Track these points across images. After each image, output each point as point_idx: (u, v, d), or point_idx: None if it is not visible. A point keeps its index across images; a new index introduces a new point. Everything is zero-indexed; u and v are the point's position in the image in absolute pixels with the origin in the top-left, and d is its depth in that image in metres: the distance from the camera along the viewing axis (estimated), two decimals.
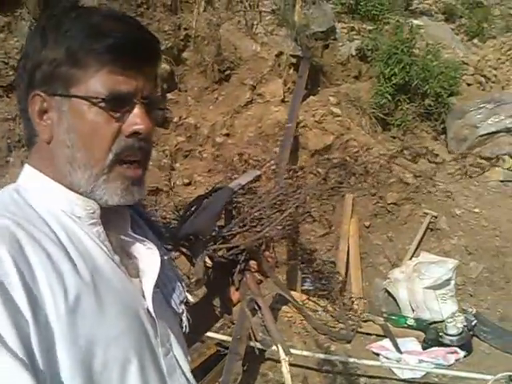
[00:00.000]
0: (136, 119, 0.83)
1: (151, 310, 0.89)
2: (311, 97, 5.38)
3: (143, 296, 0.90)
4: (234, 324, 3.40)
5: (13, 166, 4.05)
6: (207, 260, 1.16)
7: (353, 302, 4.13)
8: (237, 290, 1.17)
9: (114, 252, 0.88)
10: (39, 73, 0.81)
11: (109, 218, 0.88)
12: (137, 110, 0.83)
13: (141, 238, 0.92)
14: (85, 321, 0.77)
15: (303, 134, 5.07)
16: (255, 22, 5.64)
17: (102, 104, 0.81)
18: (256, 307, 1.15)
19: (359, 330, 4.16)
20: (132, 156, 0.85)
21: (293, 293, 3.87)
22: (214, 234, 1.16)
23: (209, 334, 3.25)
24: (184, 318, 0.98)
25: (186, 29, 5.12)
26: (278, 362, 3.64)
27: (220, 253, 1.17)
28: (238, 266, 1.16)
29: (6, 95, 4.14)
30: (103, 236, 0.87)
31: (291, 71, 5.46)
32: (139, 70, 0.84)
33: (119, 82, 0.82)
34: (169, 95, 4.94)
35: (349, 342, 3.98)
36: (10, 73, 4.17)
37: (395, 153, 5.19)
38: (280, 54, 5.45)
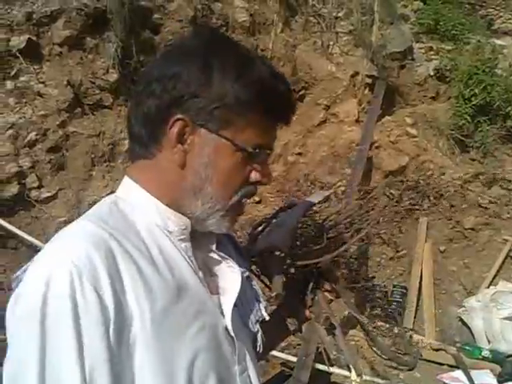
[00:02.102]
0: (266, 172, 0.93)
1: (230, 328, 0.91)
2: (386, 117, 5.31)
3: (222, 314, 0.92)
4: (299, 345, 3.38)
5: (95, 179, 4.27)
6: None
7: (406, 330, 3.98)
8: (308, 308, 1.18)
9: (198, 268, 0.91)
10: (195, 102, 0.85)
11: (196, 234, 0.92)
12: (267, 165, 0.93)
13: (224, 255, 0.95)
14: (169, 335, 0.80)
15: (377, 154, 5.00)
16: (331, 43, 5.65)
17: (247, 153, 0.88)
18: (329, 327, 1.16)
19: (430, 359, 4.00)
20: (250, 198, 0.95)
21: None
22: (288, 250, 1.18)
23: (274, 352, 3.24)
24: (259, 338, 1.00)
25: (262, 50, 5.22)
26: None
27: (292, 270, 1.19)
28: (311, 285, 1.17)
29: (92, 113, 4.39)
30: (190, 252, 0.91)
31: (366, 91, 5.41)
32: (280, 127, 0.95)
33: (267, 138, 0.91)
34: None
35: (411, 369, 3.84)
36: (96, 92, 4.42)
37: (470, 177, 5.00)
38: (355, 74, 5.42)
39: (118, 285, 0.76)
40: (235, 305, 0.93)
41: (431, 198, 4.59)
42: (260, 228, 1.24)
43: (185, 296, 0.85)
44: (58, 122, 4.15)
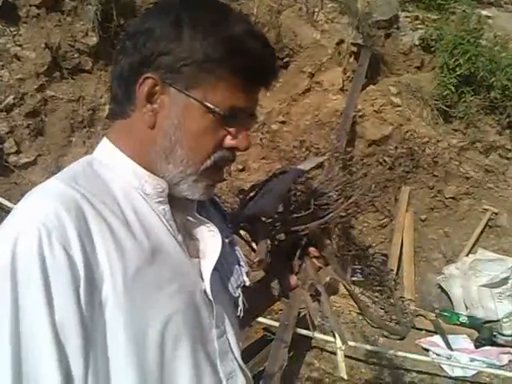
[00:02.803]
0: (242, 137, 0.87)
1: (208, 291, 0.90)
2: (371, 86, 5.28)
3: (201, 277, 0.91)
4: (281, 310, 3.41)
5: (75, 146, 4.19)
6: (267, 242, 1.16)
7: (402, 299, 4.04)
8: (295, 274, 1.17)
9: (177, 231, 0.90)
10: (164, 60, 0.82)
11: (175, 197, 0.90)
12: (245, 130, 0.88)
13: (204, 219, 0.93)
14: (142, 296, 0.79)
15: (361, 123, 4.99)
16: (316, 10, 5.56)
17: (218, 115, 0.83)
18: (315, 293, 1.15)
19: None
20: (223, 165, 0.90)
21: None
22: (276, 216, 1.16)
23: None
24: (240, 303, 0.98)
25: (246, 15, 5.12)
26: (324, 350, 3.63)
27: (280, 236, 1.17)
28: (298, 251, 1.16)
29: (71, 77, 4.28)
30: (169, 215, 0.89)
31: (351, 60, 5.36)
32: (258, 90, 0.89)
33: (241, 99, 0.85)
34: None
35: (403, 338, 3.91)
36: (76, 55, 4.30)
37: (452, 147, 5.02)
38: (341, 42, 5.36)
39: (88, 245, 0.75)
40: (216, 269, 0.92)
41: (413, 167, 4.62)
42: (251, 194, 1.22)
43: (160, 258, 0.83)
44: (36, 86, 4.05)
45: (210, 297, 0.90)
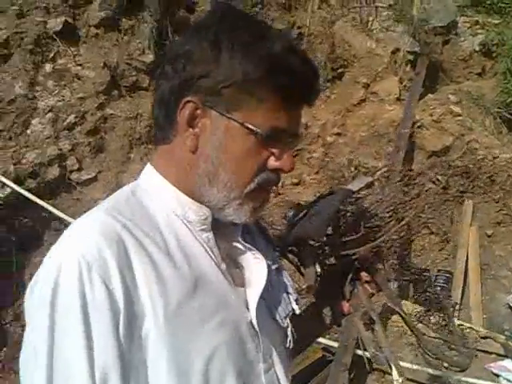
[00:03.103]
0: (285, 158, 0.85)
1: (254, 322, 0.86)
2: (429, 95, 5.12)
3: (247, 308, 0.87)
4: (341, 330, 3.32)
5: (133, 162, 4.28)
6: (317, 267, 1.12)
7: (462, 327, 3.81)
8: (347, 301, 1.12)
9: (221, 259, 0.87)
10: (203, 82, 0.81)
11: (220, 224, 0.87)
12: (288, 150, 0.85)
13: (249, 246, 0.90)
14: (184, 330, 0.76)
15: (419, 134, 4.84)
16: (371, 18, 5.47)
17: (260, 137, 0.81)
18: (369, 321, 1.10)
19: (477, 347, 3.87)
20: (267, 187, 0.87)
21: (404, 302, 3.70)
22: (325, 239, 1.12)
23: None
24: (289, 333, 0.94)
25: (299, 27, 5.10)
26: (387, 373, 3.50)
27: (330, 260, 1.13)
28: (350, 276, 1.11)
29: (129, 95, 4.39)
30: (212, 242, 0.86)
31: (408, 68, 5.23)
32: (300, 109, 0.86)
33: (283, 119, 0.82)
34: None
35: (463, 370, 3.69)
36: (133, 73, 4.41)
37: None
38: (396, 50, 5.24)
39: (129, 279, 0.73)
40: (262, 298, 0.88)
41: (477, 180, 4.41)
42: (299, 216, 1.17)
43: (203, 289, 0.81)
44: (95, 105, 4.17)
45: (257, 328, 0.86)
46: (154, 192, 0.86)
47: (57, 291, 0.70)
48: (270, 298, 0.92)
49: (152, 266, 0.76)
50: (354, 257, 1.10)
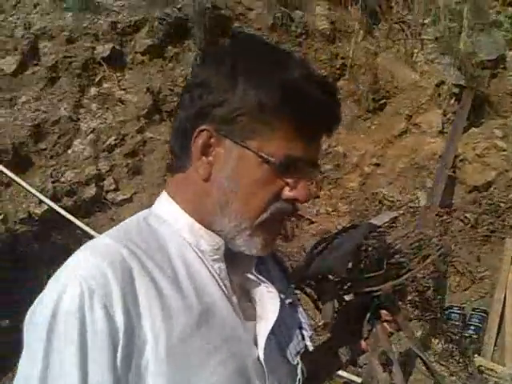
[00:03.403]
0: (300, 188, 0.82)
1: (262, 358, 0.82)
2: (473, 129, 4.99)
3: (256, 343, 0.83)
4: (365, 364, 3.20)
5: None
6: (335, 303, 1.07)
7: (482, 369, 3.59)
8: (365, 339, 1.07)
9: (232, 292, 0.84)
10: (218, 111, 0.79)
11: (233, 254, 0.85)
12: (304, 180, 0.82)
13: (263, 279, 0.87)
14: (186, 363, 0.73)
15: (461, 168, 4.71)
16: (416, 51, 5.41)
17: (274, 166, 0.78)
18: (386, 362, 1.04)
19: None
20: (281, 218, 0.84)
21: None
22: (345, 275, 1.07)
23: (338, 371, 3.10)
24: (299, 371, 0.89)
25: (342, 58, 5.10)
26: None
27: (349, 297, 1.08)
28: (369, 314, 1.06)
29: (169, 119, 4.46)
30: (224, 274, 0.83)
31: (452, 101, 5.12)
32: (318, 138, 0.83)
33: (298, 148, 0.80)
34: None
35: None
36: (175, 99, 4.50)
37: None
38: (441, 83, 5.15)
39: (132, 307, 0.71)
40: (273, 333, 0.84)
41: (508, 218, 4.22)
42: (319, 248, 1.13)
43: (210, 321, 0.78)
44: (136, 128, 4.27)
45: (263, 365, 0.82)
46: (168, 219, 0.84)
47: (56, 315, 0.69)
48: (281, 333, 0.88)
49: (158, 295, 0.74)
50: (374, 294, 1.05)
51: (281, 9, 4.79)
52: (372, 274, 1.06)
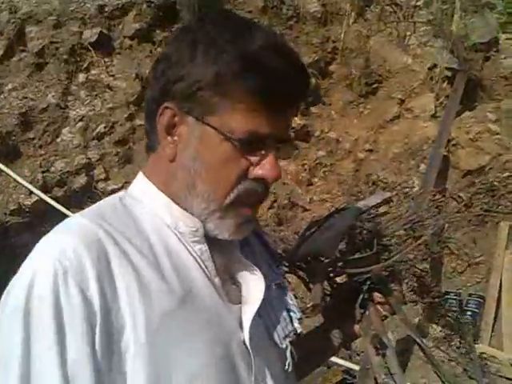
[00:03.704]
0: (267, 165, 0.77)
1: (247, 342, 0.79)
2: (466, 112, 4.96)
3: (241, 326, 0.80)
4: (363, 352, 3.19)
5: None
6: (325, 286, 1.05)
7: (484, 356, 3.58)
8: (357, 323, 1.04)
9: (215, 274, 0.80)
10: (179, 86, 0.76)
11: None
12: (271, 156, 0.77)
13: (248, 262, 0.84)
14: (167, 346, 0.70)
15: (454, 152, 4.68)
16: (408, 33, 5.36)
17: (237, 142, 0.74)
18: (379, 346, 1.01)
19: (510, 376, 3.66)
20: (252, 198, 0.79)
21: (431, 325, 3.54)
22: (335, 256, 1.04)
23: (336, 360, 3.09)
24: (288, 355, 0.86)
25: (334, 41, 5.04)
26: None
27: (340, 279, 1.05)
28: (361, 297, 1.03)
29: None
30: (206, 255, 0.80)
31: (445, 85, 5.08)
32: (284, 112, 0.77)
33: (261, 123, 0.75)
34: (312, 109, 4.88)
35: None
36: None
37: None
38: (433, 66, 5.10)
39: (108, 287, 0.68)
40: (260, 316, 0.82)
41: (503, 199, 4.20)
42: (311, 230, 1.10)
43: (192, 303, 0.75)
44: (125, 115, 4.20)
45: (249, 348, 0.79)
46: (144, 200, 0.81)
47: (30, 297, 0.66)
48: (268, 316, 0.86)
49: (136, 276, 0.71)
50: (366, 275, 1.02)
51: None
52: (363, 255, 1.03)
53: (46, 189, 3.69)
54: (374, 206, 1.09)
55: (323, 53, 4.93)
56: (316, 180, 4.63)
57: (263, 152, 0.77)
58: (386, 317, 1.03)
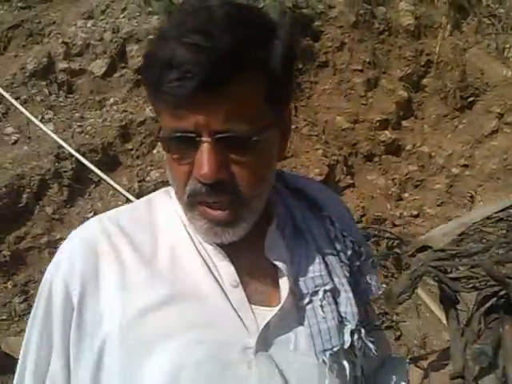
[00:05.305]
0: (198, 164, 0.70)
1: (252, 347, 0.74)
2: None
3: (250, 329, 0.74)
4: None
5: None
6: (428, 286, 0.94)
7: None
8: (478, 336, 0.91)
9: (232, 275, 0.77)
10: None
11: (247, 235, 0.77)
12: (201, 153, 0.69)
13: (279, 263, 0.77)
14: (143, 340, 0.72)
15: None
16: (507, 46, 5.11)
17: (169, 142, 0.71)
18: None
19: None
20: (205, 199, 0.72)
21: None
22: (446, 247, 0.95)
23: None
24: (326, 372, 0.76)
25: (427, 54, 4.90)
26: None
27: (453, 276, 0.92)
28: (491, 303, 0.89)
29: None
30: (220, 256, 0.78)
31: None
32: (201, 104, 0.67)
33: (179, 119, 0.68)
34: (404, 122, 4.76)
35: None
36: None
37: None
38: None
39: (90, 282, 0.75)
40: (307, 324, 0.77)
41: None
42: None
43: (184, 303, 0.74)
44: None
45: (252, 355, 0.73)
46: (173, 195, 0.82)
47: (41, 284, 0.80)
48: (317, 326, 0.77)
49: (121, 272, 0.75)
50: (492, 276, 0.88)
51: (363, 6, 4.68)
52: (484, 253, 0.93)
53: (141, 197, 3.84)
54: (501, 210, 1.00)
55: (416, 66, 4.82)
56: (406, 195, 4.49)
57: (184, 149, 0.71)
58: None
